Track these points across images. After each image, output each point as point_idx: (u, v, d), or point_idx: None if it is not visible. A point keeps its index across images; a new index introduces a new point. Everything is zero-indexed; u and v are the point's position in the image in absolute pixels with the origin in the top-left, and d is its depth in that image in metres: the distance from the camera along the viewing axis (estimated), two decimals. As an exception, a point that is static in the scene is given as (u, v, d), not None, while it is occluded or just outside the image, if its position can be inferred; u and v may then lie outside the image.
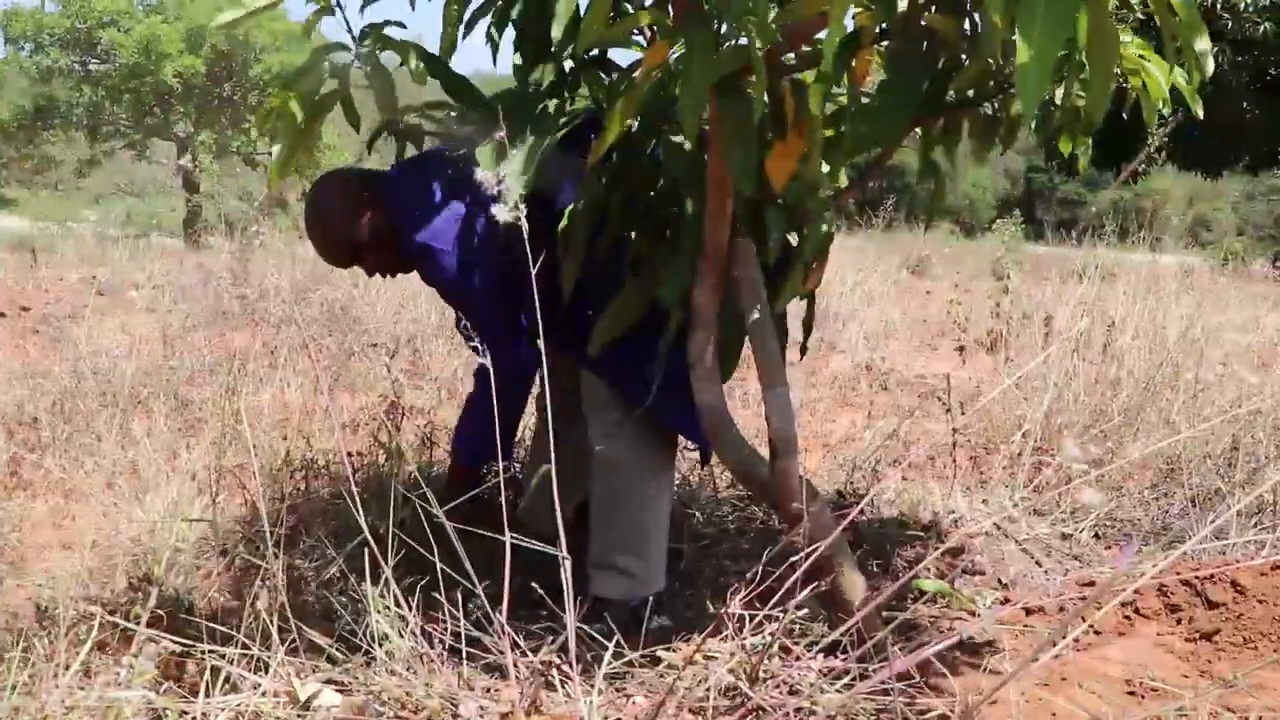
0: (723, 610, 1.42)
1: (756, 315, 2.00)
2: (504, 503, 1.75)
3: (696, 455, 3.50)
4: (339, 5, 2.19)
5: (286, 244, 9.60)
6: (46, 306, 6.37)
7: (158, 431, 3.71)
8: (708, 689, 1.35)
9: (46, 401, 3.99)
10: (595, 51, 2.19)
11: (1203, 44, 1.60)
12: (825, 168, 2.15)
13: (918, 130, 2.24)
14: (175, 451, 3.50)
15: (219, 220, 13.31)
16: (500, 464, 2.16)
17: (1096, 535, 3.23)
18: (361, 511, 1.75)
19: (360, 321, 5.56)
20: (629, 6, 2.04)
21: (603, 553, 2.47)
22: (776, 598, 1.42)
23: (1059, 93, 2.16)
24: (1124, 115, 2.22)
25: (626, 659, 1.51)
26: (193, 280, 7.14)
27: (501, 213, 1.68)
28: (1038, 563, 3.01)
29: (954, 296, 6.67)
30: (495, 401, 2.03)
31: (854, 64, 1.76)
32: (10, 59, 17.92)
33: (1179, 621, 2.34)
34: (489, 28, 2.21)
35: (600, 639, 1.53)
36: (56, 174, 21.38)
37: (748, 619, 1.46)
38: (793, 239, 2.30)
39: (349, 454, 3.31)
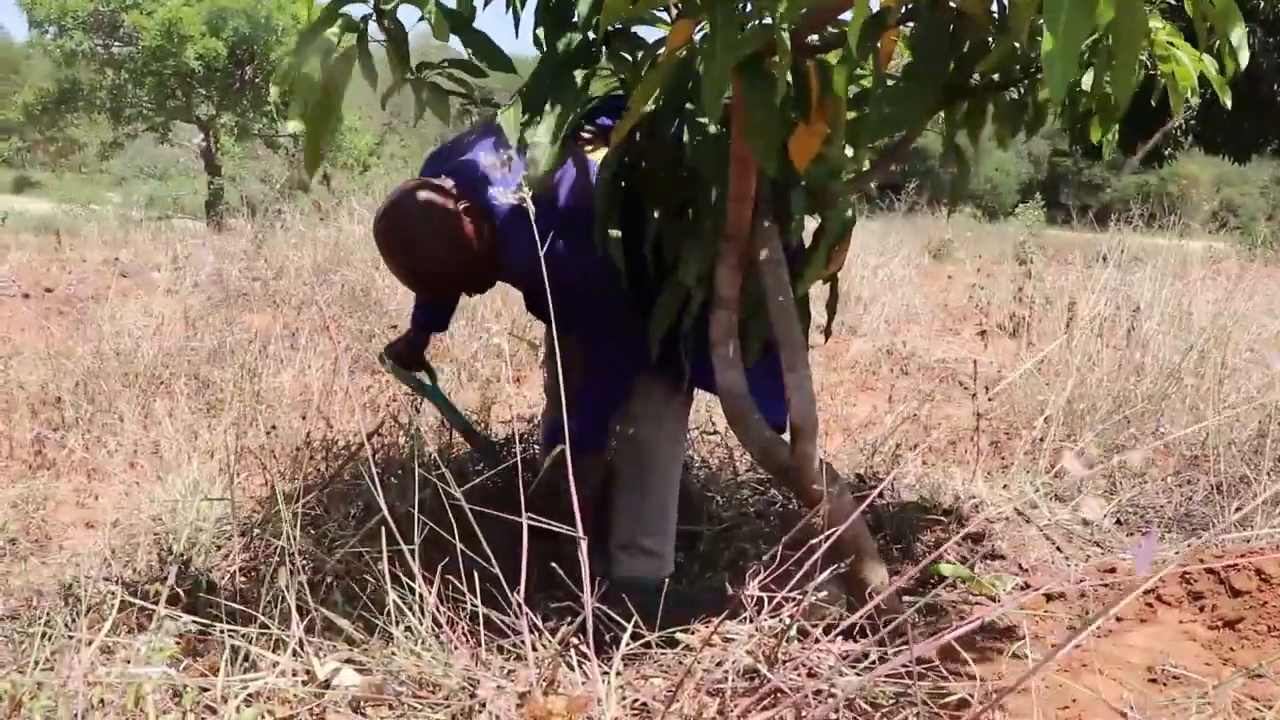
0: (740, 592, 1.41)
1: (779, 298, 1.98)
2: (522, 483, 1.75)
3: (715, 438, 3.51)
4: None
5: (308, 226, 9.62)
6: (70, 288, 6.40)
7: (179, 412, 3.73)
8: (725, 671, 1.35)
9: (70, 382, 4.02)
10: (619, 25, 2.16)
11: (1238, 34, 1.58)
12: (849, 150, 2.13)
13: (941, 114, 2.22)
14: (196, 432, 3.52)
15: (241, 203, 13.38)
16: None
17: (1119, 521, 3.21)
18: (381, 492, 1.75)
19: (381, 304, 5.56)
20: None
21: (630, 534, 2.46)
22: (795, 580, 1.41)
23: (1086, 79, 2.13)
24: (1153, 103, 2.19)
25: (645, 640, 1.51)
26: (215, 262, 7.17)
27: (505, 195, 1.64)
28: (1059, 548, 2.99)
29: (976, 280, 6.64)
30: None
31: (879, 45, 1.74)
32: (35, 42, 18.00)
33: (1202, 609, 2.32)
34: (511, -3, 2.17)
35: (620, 621, 1.52)
36: (80, 157, 21.49)
37: (766, 601, 1.45)
38: (815, 221, 2.29)
39: (368, 435, 3.32)
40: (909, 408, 4.10)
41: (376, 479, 1.84)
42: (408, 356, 2.83)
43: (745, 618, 1.45)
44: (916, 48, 1.67)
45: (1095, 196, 33.40)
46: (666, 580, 2.43)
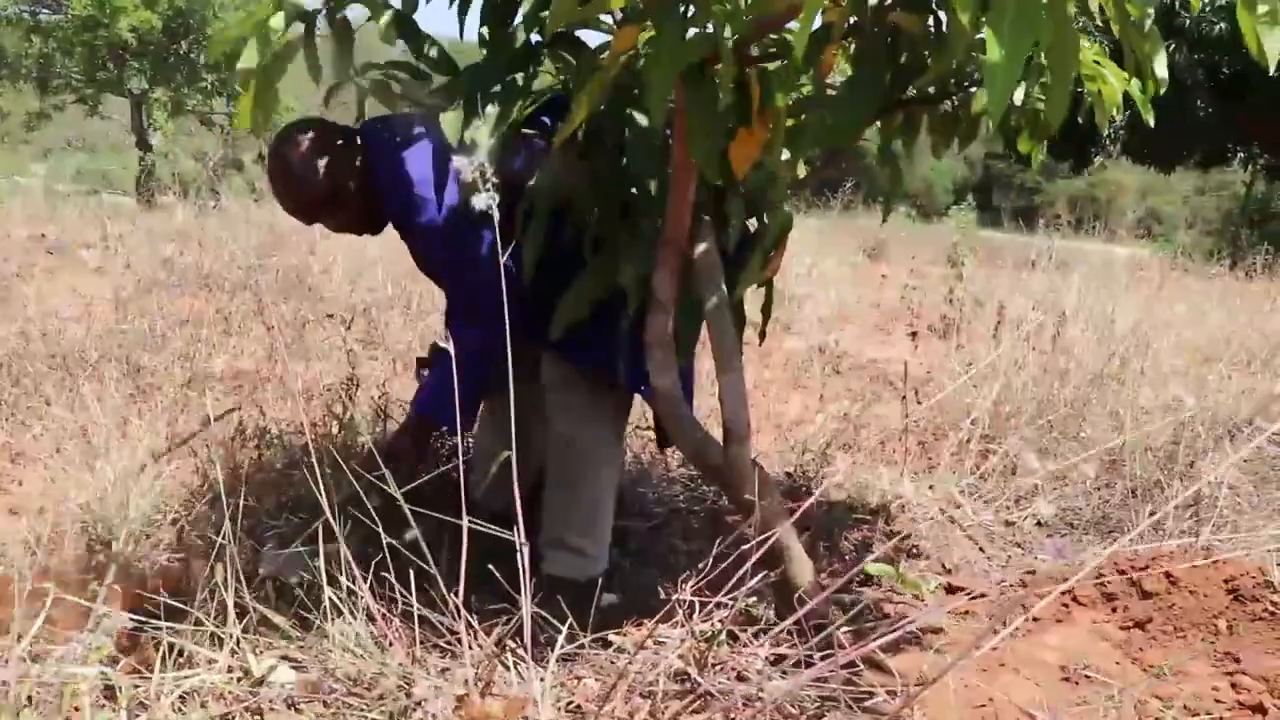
0: (674, 597, 1.44)
1: (714, 301, 2.02)
2: (461, 482, 1.76)
3: (650, 434, 3.55)
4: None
5: (242, 207, 9.48)
6: (-7, 264, 6.26)
7: (108, 397, 3.66)
8: (658, 674, 1.38)
9: (-8, 364, 3.94)
10: (563, 28, 2.18)
11: (1160, 60, 1.64)
12: (787, 156, 2.17)
13: (879, 123, 2.27)
14: (126, 418, 3.47)
15: (173, 180, 13.12)
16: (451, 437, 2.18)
17: (1039, 523, 3.30)
18: (317, 486, 1.75)
19: (316, 290, 5.52)
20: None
21: (558, 532, 2.48)
22: (728, 586, 1.45)
23: (1018, 94, 2.19)
24: (1079, 119, 2.26)
25: (579, 642, 1.53)
26: (146, 241, 7.04)
27: (478, 201, 1.67)
28: (981, 549, 3.07)
29: (909, 281, 6.75)
30: (457, 376, 2.03)
31: (820, 57, 1.78)
32: (-42, 6, 17.47)
33: (1114, 610, 2.41)
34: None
35: (553, 621, 1.55)
36: (4, 126, 20.90)
37: (698, 605, 1.48)
38: (752, 224, 2.33)
39: (301, 425, 3.31)
40: (840, 407, 4.17)
41: (312, 471, 1.84)
42: (400, 450, 2.52)
43: (677, 621, 1.48)
44: (857, 61, 1.71)
45: (1027, 199, 34.07)
46: (599, 579, 2.45)
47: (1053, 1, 1.24)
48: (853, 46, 1.80)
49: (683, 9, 1.65)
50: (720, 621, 1.48)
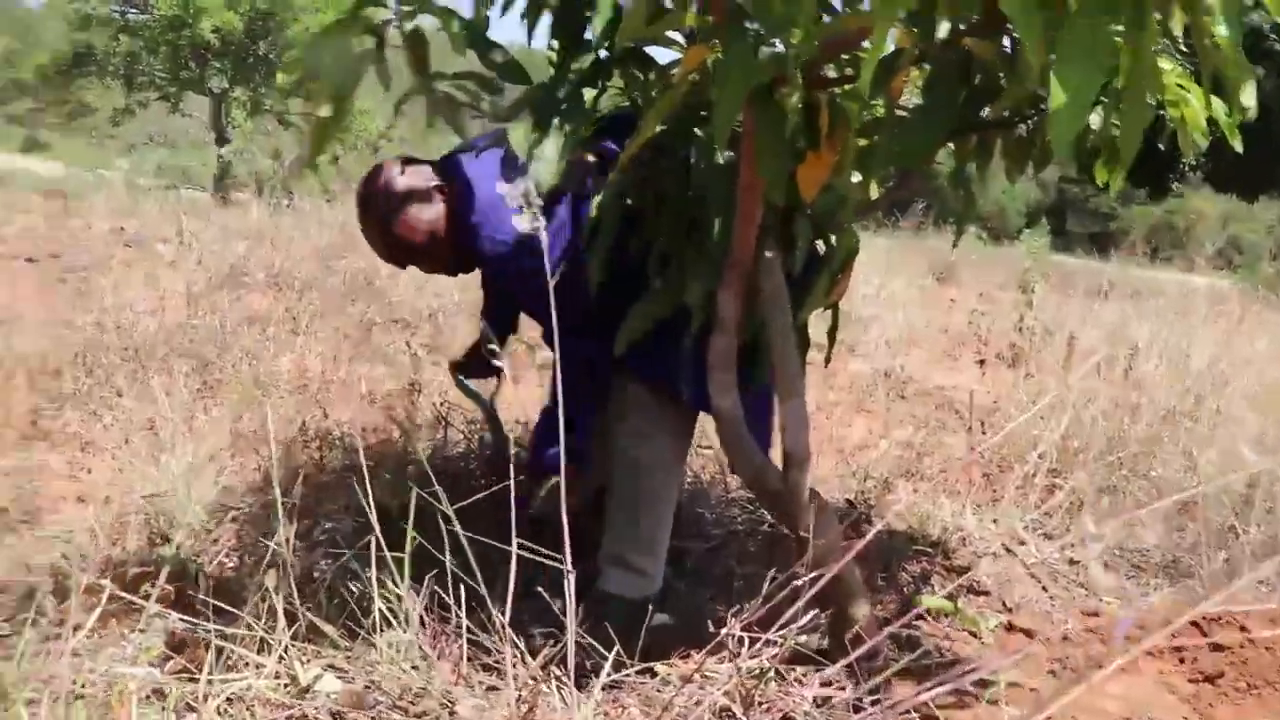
0: (724, 632, 1.41)
1: (778, 324, 1.99)
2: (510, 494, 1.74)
3: (709, 453, 3.51)
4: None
5: (314, 207, 9.62)
6: (75, 255, 6.41)
7: (177, 391, 3.72)
8: (702, 710, 1.35)
9: (69, 353, 4.02)
10: (633, 44, 2.17)
11: (1249, 91, 1.58)
12: (857, 177, 2.14)
13: (951, 145, 2.22)
14: (193, 413, 3.52)
15: (249, 177, 13.39)
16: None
17: (1105, 564, 3.21)
18: (371, 494, 1.75)
19: (384, 293, 5.56)
20: (670, 5, 2.03)
21: (620, 550, 2.45)
22: (780, 623, 1.41)
23: (1095, 119, 2.13)
24: (1160, 146, 2.19)
25: (626, 671, 1.51)
26: (220, 238, 7.17)
27: (521, 223, 1.66)
28: (1043, 588, 2.99)
29: (978, 306, 6.64)
30: (566, 397, 2.01)
31: (891, 81, 1.74)
32: (51, 4, 18.01)
33: (1182, 661, 2.33)
34: (524, 11, 2.18)
35: (600, 645, 1.52)
36: (91, 121, 21.49)
37: (748, 641, 1.45)
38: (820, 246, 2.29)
39: (362, 429, 3.33)
40: (904, 434, 4.11)
41: (367, 481, 1.84)
42: (467, 362, 2.89)
43: (725, 656, 1.45)
44: (928, 88, 1.67)
45: (1103, 225, 33.42)
46: (651, 599, 2.43)
47: (1129, 32, 1.19)
48: (925, 71, 1.76)
49: (751, 29, 1.62)
50: (769, 660, 1.44)
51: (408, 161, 2.39)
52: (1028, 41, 1.18)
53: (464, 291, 5.80)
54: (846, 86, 1.83)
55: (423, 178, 2.34)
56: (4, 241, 7.50)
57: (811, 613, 1.42)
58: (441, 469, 3.10)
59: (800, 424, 1.97)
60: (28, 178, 15.31)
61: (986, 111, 2.07)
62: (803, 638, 1.55)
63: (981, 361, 5.03)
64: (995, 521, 3.35)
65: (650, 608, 2.44)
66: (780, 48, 1.67)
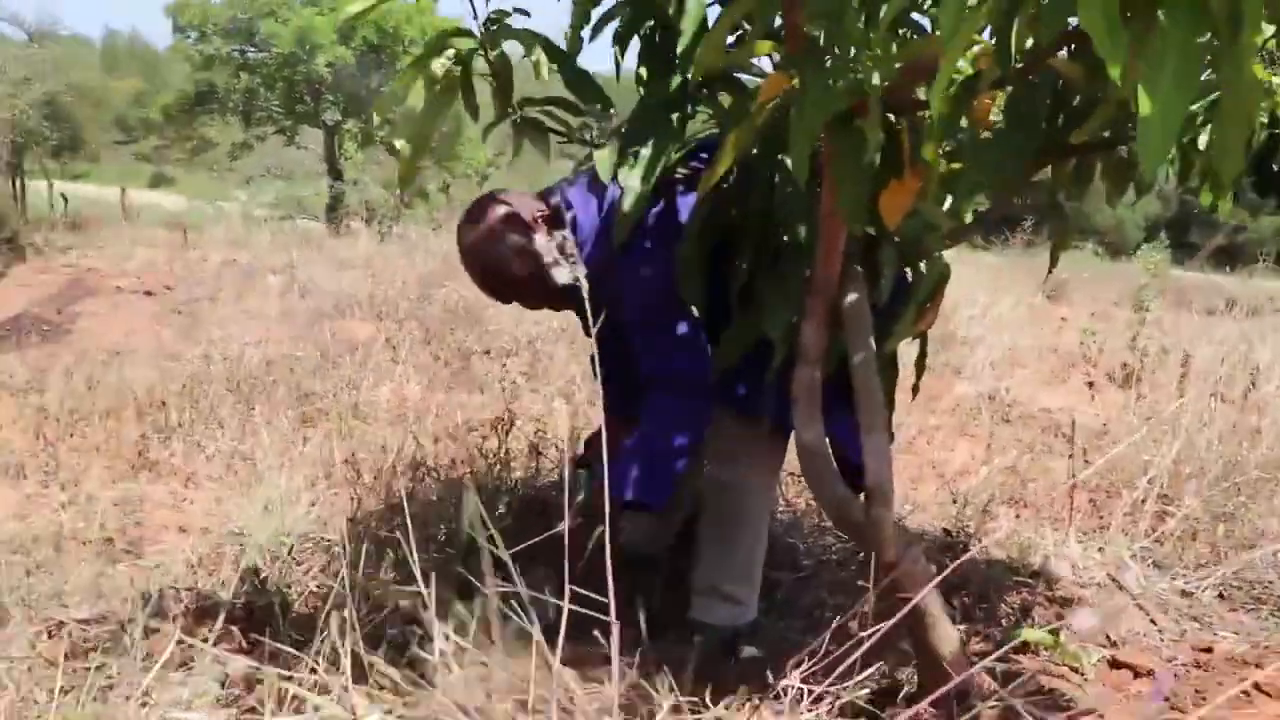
0: (780, 684, 1.36)
1: (861, 356, 1.94)
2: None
3: (802, 480, 3.45)
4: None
5: (420, 236, 9.81)
6: (189, 288, 6.65)
7: (278, 421, 3.82)
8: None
9: (176, 385, 4.16)
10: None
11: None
12: (950, 201, 2.08)
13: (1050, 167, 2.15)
14: (292, 442, 3.61)
15: (361, 206, 13.75)
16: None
17: (1221, 595, 3.06)
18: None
19: (484, 321, 5.63)
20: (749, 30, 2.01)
21: (713, 579, 2.42)
22: (836, 673, 1.36)
23: (1202, 138, 2.04)
24: (1275, 166, 2.08)
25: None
26: (327, 268, 7.36)
27: (561, 275, 1.64)
28: (1152, 620, 2.86)
29: (1089, 325, 6.43)
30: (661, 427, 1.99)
31: (975, 104, 1.69)
32: (177, 46, 18.87)
33: (1301, 703, 2.20)
34: (616, 32, 2.18)
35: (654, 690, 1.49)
36: (212, 155, 22.38)
37: (806, 693, 1.40)
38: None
39: (453, 459, 3.36)
40: (1007, 459, 3.99)
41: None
42: (590, 457, 2.72)
43: (781, 710, 1.41)
44: (1008, 111, 1.62)
45: (1230, 237, 32.13)
46: (742, 630, 2.40)
47: (1224, 45, 1.12)
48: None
49: (828, 57, 1.60)
50: (827, 715, 1.39)
51: (510, 196, 2.32)
52: (1110, 59, 1.13)
53: (563, 319, 5.84)
54: (929, 111, 1.79)
55: (526, 209, 2.27)
56: (125, 275, 7.83)
57: (876, 665, 1.36)
58: (533, 498, 3.12)
59: (883, 460, 1.91)
60: (154, 212, 16.02)
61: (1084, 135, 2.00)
62: (862, 691, 1.49)
63: (1091, 383, 4.86)
64: (1101, 550, 3.22)
65: (740, 638, 2.41)
66: (859, 74, 1.64)
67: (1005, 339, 6.71)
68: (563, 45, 2.20)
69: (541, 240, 2.23)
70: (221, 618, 2.01)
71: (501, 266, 2.26)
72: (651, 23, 2.14)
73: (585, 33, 2.17)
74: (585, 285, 1.62)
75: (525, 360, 5.22)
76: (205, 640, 1.72)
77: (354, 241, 10.72)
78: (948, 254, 2.22)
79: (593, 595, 1.22)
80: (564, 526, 1.30)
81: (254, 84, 18.45)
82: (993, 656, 1.93)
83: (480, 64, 2.25)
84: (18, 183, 14.67)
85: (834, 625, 1.62)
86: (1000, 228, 12.50)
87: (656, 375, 2.29)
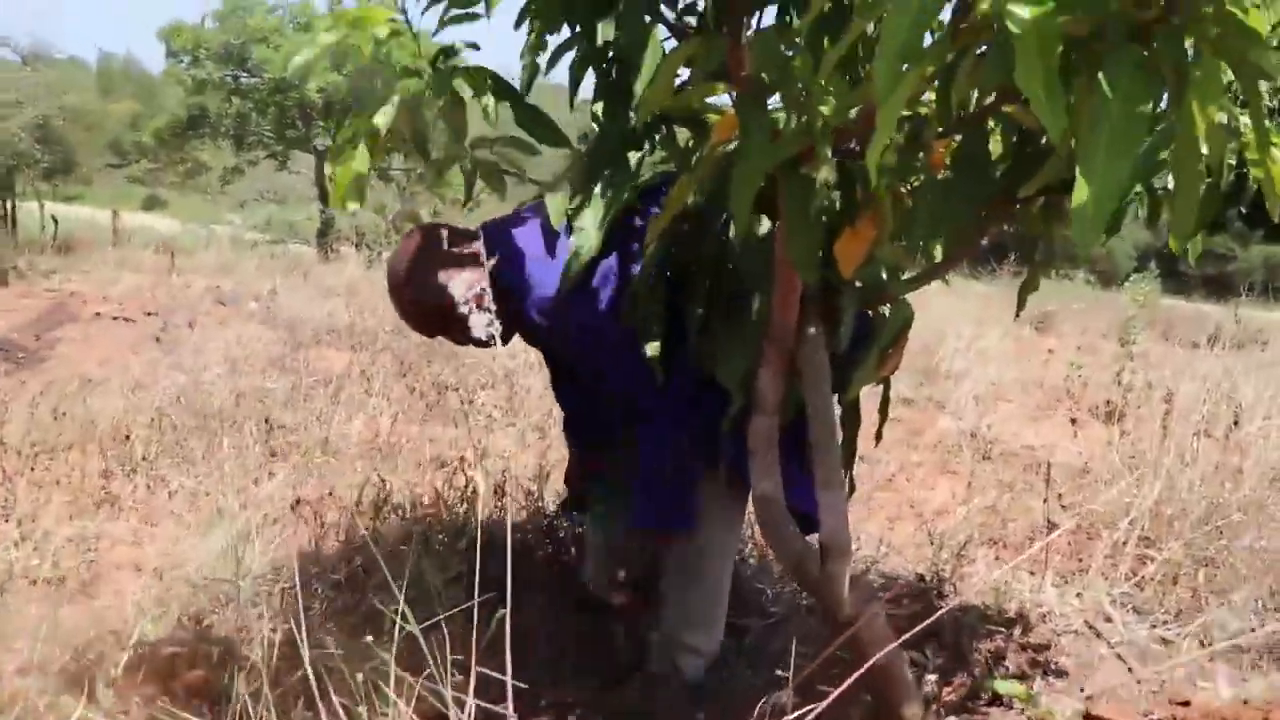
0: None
1: (817, 406, 1.88)
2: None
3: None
4: (409, 22, 2.13)
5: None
6: (169, 315, 6.58)
7: (246, 455, 3.74)
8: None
9: (145, 417, 4.08)
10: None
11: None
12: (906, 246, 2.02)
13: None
14: (256, 479, 3.53)
15: (352, 231, 13.75)
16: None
17: (1201, 643, 2.98)
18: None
19: (459, 354, 5.56)
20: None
21: (677, 629, 2.37)
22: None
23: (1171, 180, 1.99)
24: (1242, 210, 2.04)
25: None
26: (310, 295, 7.30)
27: (479, 327, 1.60)
28: (1130, 670, 2.79)
29: (1075, 359, 6.38)
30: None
31: (927, 150, 1.64)
32: (170, 71, 18.94)
33: (1279, 762, 2.13)
34: (572, 65, 2.12)
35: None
36: (205, 179, 22.42)
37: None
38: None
39: (420, 499, 3.29)
40: (987, 498, 3.92)
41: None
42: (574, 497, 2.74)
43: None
44: (955, 158, 1.56)
45: (1220, 266, 32.19)
46: (703, 681, 2.35)
47: (1172, 109, 1.07)
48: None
49: (771, 102, 1.54)
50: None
51: (440, 229, 2.28)
52: (1049, 123, 1.07)
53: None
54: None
55: (458, 244, 2.23)
56: (108, 301, 7.77)
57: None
58: (496, 539, 3.04)
59: (839, 516, 1.85)
60: (146, 234, 16.01)
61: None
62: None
63: (1074, 420, 4.80)
64: (1079, 595, 3.15)
65: (702, 689, 2.35)
66: (806, 119, 1.59)
67: (990, 372, 6.65)
68: (516, 82, 2.15)
69: (461, 283, 2.18)
70: (159, 669, 1.94)
71: (428, 297, 2.22)
72: (611, 55, 2.08)
73: (542, 60, 2.10)
74: (499, 342, 1.58)
75: (503, 394, 5.15)
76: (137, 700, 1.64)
77: (342, 267, 10.68)
78: (934, 284, 2.17)
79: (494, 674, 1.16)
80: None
81: (246, 109, 18.50)
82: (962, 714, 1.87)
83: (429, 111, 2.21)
84: (8, 205, 14.66)
85: (796, 680, 1.56)
86: (988, 259, 12.45)
87: (647, 402, 2.22)
